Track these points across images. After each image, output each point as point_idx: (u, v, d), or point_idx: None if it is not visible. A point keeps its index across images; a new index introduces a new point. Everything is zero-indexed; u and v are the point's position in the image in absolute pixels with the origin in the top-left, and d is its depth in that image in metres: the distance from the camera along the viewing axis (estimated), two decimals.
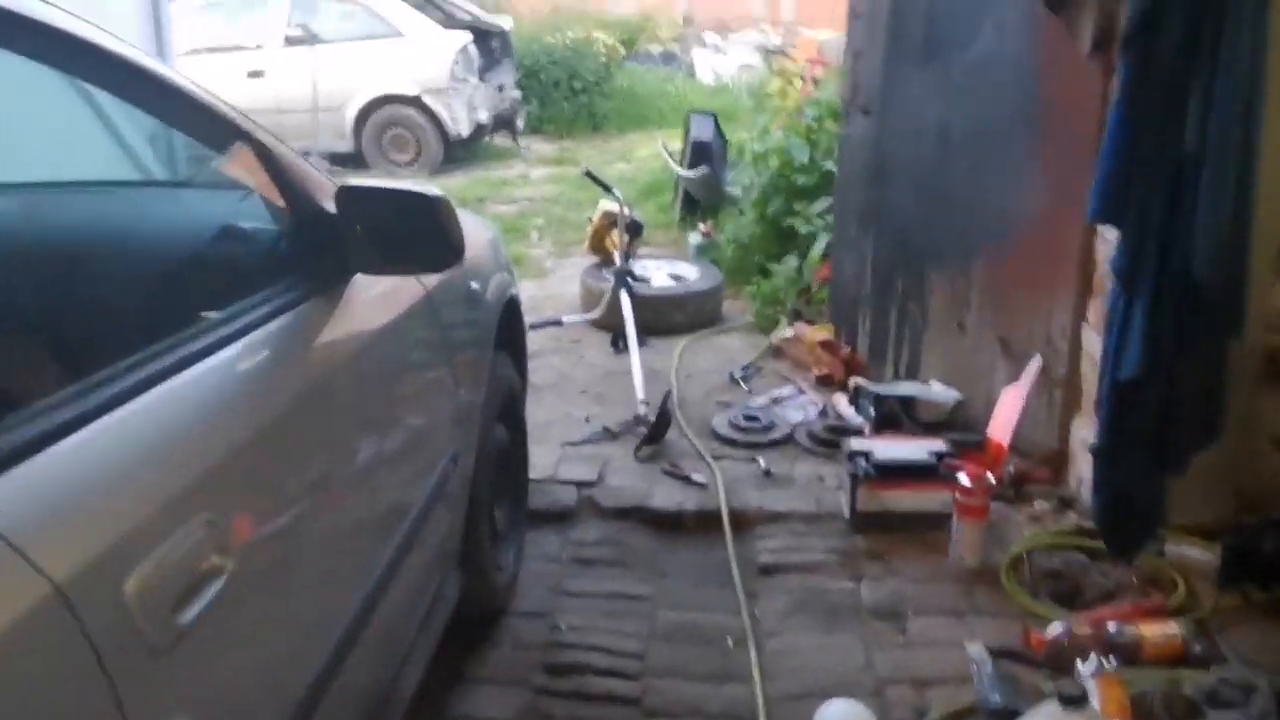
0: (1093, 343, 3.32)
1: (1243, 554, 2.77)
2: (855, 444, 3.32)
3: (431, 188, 1.90)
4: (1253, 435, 3.03)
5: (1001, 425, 3.57)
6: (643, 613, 2.92)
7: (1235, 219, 2.50)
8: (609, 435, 4.00)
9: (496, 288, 2.79)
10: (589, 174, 4.96)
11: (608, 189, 4.96)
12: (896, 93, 4.23)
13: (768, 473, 3.63)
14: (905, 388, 3.98)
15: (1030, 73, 3.51)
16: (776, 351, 4.94)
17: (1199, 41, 2.40)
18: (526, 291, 6.18)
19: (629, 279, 5.04)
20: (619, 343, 4.96)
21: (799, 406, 4.26)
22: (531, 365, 4.85)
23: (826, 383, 4.52)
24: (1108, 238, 3.16)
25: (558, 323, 5.09)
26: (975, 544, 3.01)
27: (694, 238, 6.63)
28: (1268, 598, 2.69)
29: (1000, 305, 3.79)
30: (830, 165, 5.81)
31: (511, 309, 2.99)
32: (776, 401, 4.32)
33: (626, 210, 5.51)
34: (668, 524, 3.39)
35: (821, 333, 4.73)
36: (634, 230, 5.61)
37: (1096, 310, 3.30)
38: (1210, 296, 2.54)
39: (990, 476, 3.05)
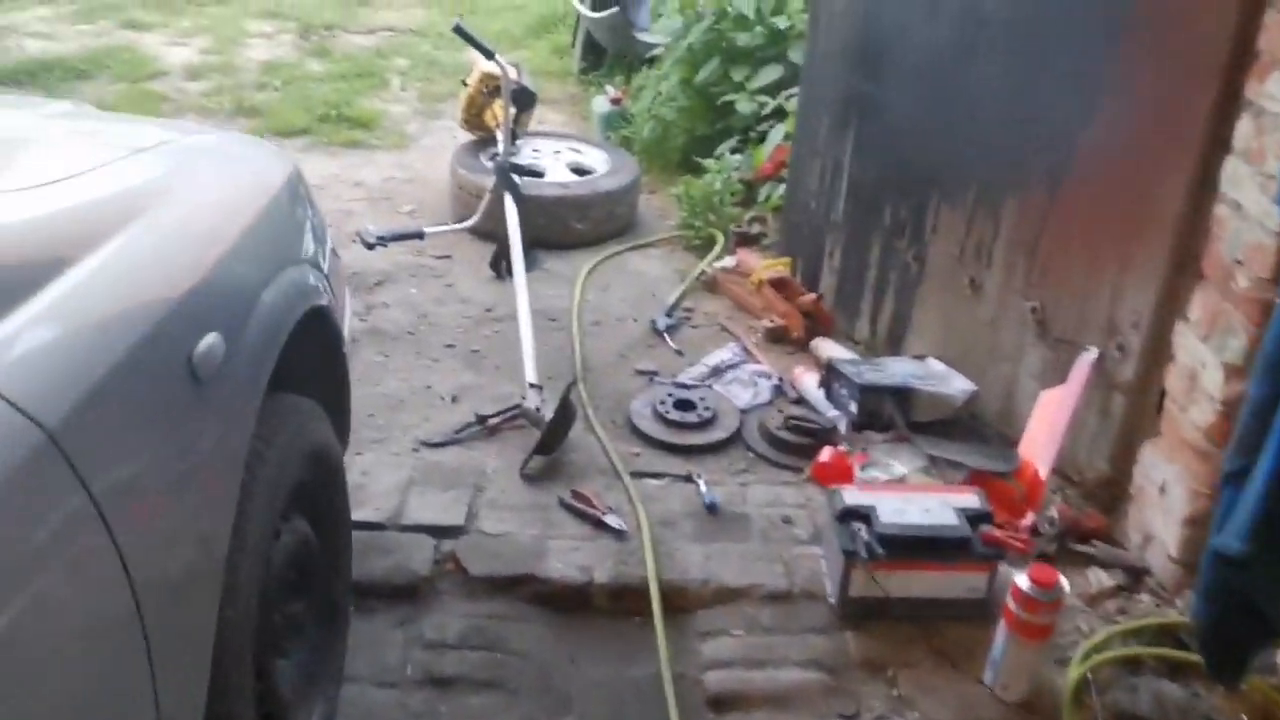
0: (1194, 351, 2.35)
1: None
2: (848, 496, 2.33)
3: None
4: None
5: (1040, 446, 2.62)
6: None
7: None
8: (484, 429, 2.91)
9: (279, 302, 1.61)
10: (460, 31, 3.66)
11: (487, 53, 3.67)
12: None
13: (712, 508, 2.62)
14: (898, 370, 2.98)
15: None
16: (711, 284, 3.86)
17: None
18: (380, 170, 4.92)
19: (515, 175, 3.82)
20: (501, 265, 3.80)
21: (747, 380, 3.23)
22: (383, 299, 3.70)
23: (780, 338, 3.49)
24: (1243, 206, 2.15)
25: (418, 235, 3.87)
26: (1025, 671, 2.10)
27: (600, 104, 5.37)
28: None
29: (1040, 267, 2.78)
30: (782, 23, 4.59)
31: (319, 321, 1.82)
32: (717, 372, 3.27)
33: (513, 74, 4.22)
34: (569, 603, 2.37)
35: (773, 268, 3.66)
36: (523, 102, 4.33)
37: (1204, 306, 2.32)
38: None
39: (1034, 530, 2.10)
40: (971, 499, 2.34)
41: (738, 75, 4.65)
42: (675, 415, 2.98)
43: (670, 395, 3.06)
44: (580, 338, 3.45)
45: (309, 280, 1.78)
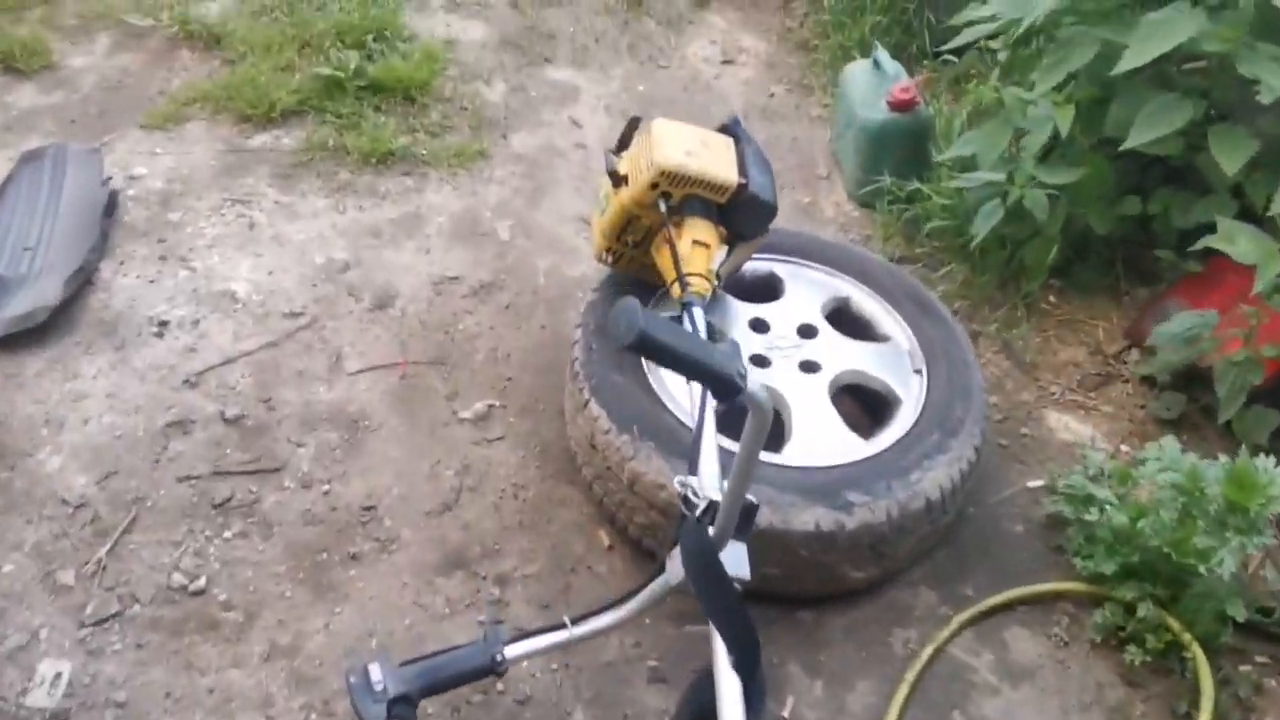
0: None
1: None
2: None
3: None
4: None
5: None
6: None
7: None
8: None
9: None
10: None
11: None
12: None
13: None
14: None
15: None
16: None
17: None
18: (428, 247, 2.83)
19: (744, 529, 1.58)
20: None
21: None
22: None
23: None
24: None
25: (492, 670, 1.70)
26: None
27: (865, 94, 2.88)
28: None
29: None
30: None
31: None
32: None
33: (727, 172, 1.90)
34: None
35: None
36: (750, 225, 2.03)
37: None
38: None
39: None
40: None
41: (1230, 150, 2.16)
42: None
43: None
44: None
45: None
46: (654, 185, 1.96)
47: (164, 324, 2.38)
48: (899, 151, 2.77)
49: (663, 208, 1.98)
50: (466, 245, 2.67)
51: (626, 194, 2.01)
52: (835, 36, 3.38)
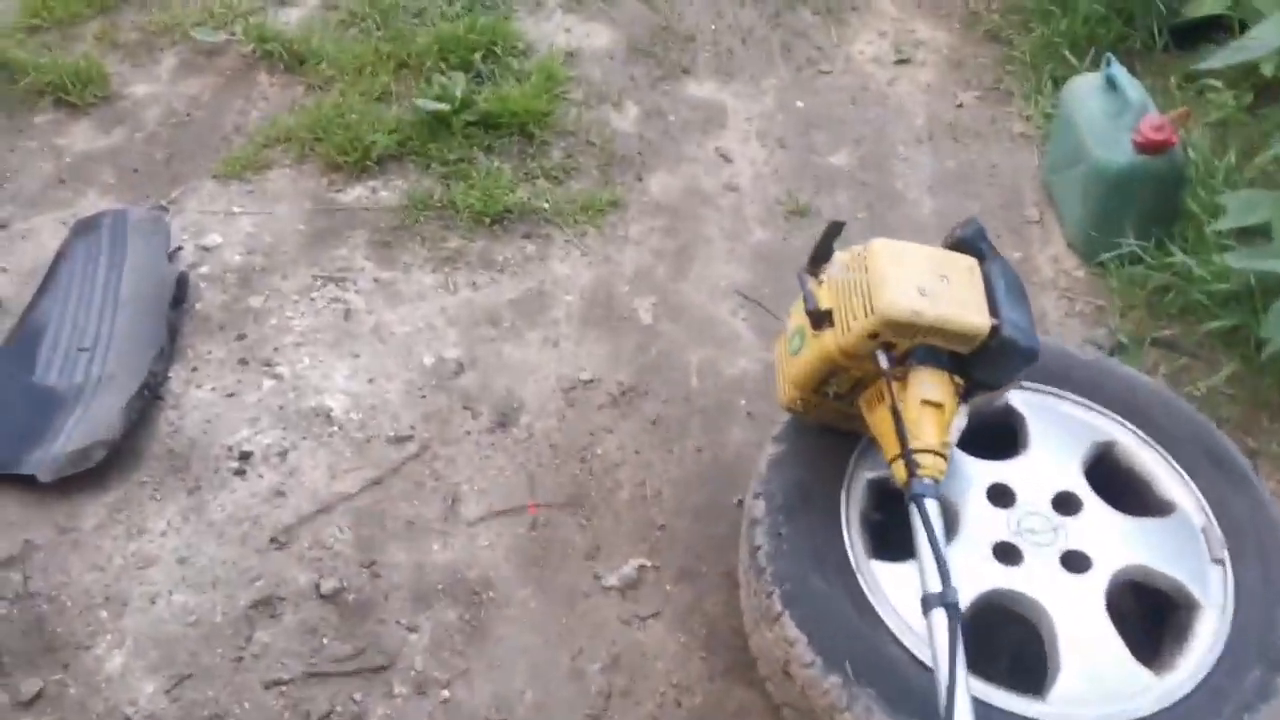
0: None
1: None
2: None
3: None
4: None
5: None
6: None
7: None
8: None
9: None
10: None
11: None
12: None
13: None
14: None
15: None
16: None
17: None
18: (549, 338, 2.50)
19: None
20: None
21: None
22: None
23: None
24: None
25: None
26: None
27: (1101, 124, 2.31)
28: None
29: None
30: None
31: None
32: None
33: (974, 318, 1.39)
34: None
35: None
36: (997, 372, 1.50)
37: None
38: None
39: None
40: None
41: None
42: None
43: None
44: None
45: None
46: (873, 335, 1.47)
47: (245, 456, 1.98)
48: (1146, 203, 2.21)
49: (883, 361, 1.49)
50: (601, 333, 2.21)
51: (833, 341, 1.52)
52: (1039, 28, 2.79)
